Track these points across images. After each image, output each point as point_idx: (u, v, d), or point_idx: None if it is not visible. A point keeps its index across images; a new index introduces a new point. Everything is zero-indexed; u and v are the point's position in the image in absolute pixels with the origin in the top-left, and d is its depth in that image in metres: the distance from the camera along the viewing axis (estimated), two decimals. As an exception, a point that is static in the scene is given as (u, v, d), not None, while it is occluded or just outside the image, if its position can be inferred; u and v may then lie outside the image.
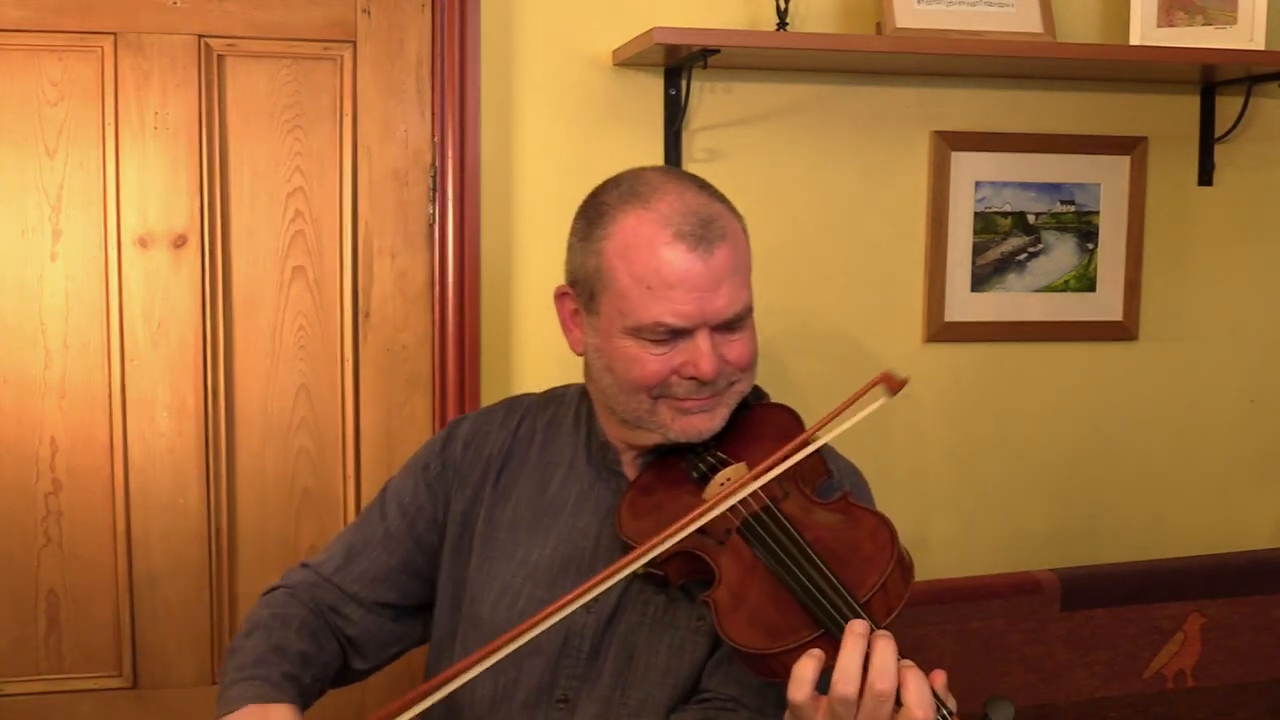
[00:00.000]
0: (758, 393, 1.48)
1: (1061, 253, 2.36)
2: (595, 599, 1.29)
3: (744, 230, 1.39)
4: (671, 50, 2.02)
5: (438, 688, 1.19)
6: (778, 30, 2.07)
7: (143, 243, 2.07)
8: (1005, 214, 2.32)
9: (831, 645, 1.12)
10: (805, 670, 1.11)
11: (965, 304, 2.32)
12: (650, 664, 1.35)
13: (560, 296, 1.45)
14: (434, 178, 2.12)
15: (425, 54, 2.11)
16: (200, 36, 2.05)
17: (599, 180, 2.15)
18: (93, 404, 2.08)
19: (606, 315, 1.35)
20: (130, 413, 2.08)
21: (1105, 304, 2.38)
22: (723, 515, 1.27)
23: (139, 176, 2.05)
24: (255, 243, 2.10)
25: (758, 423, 1.41)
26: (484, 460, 1.49)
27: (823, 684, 1.12)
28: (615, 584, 1.29)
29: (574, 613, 1.31)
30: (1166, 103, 2.37)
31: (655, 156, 2.17)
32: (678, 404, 1.35)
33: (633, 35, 2.05)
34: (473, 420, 1.54)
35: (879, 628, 1.13)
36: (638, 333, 1.32)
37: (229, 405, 2.12)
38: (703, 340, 1.32)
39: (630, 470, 1.43)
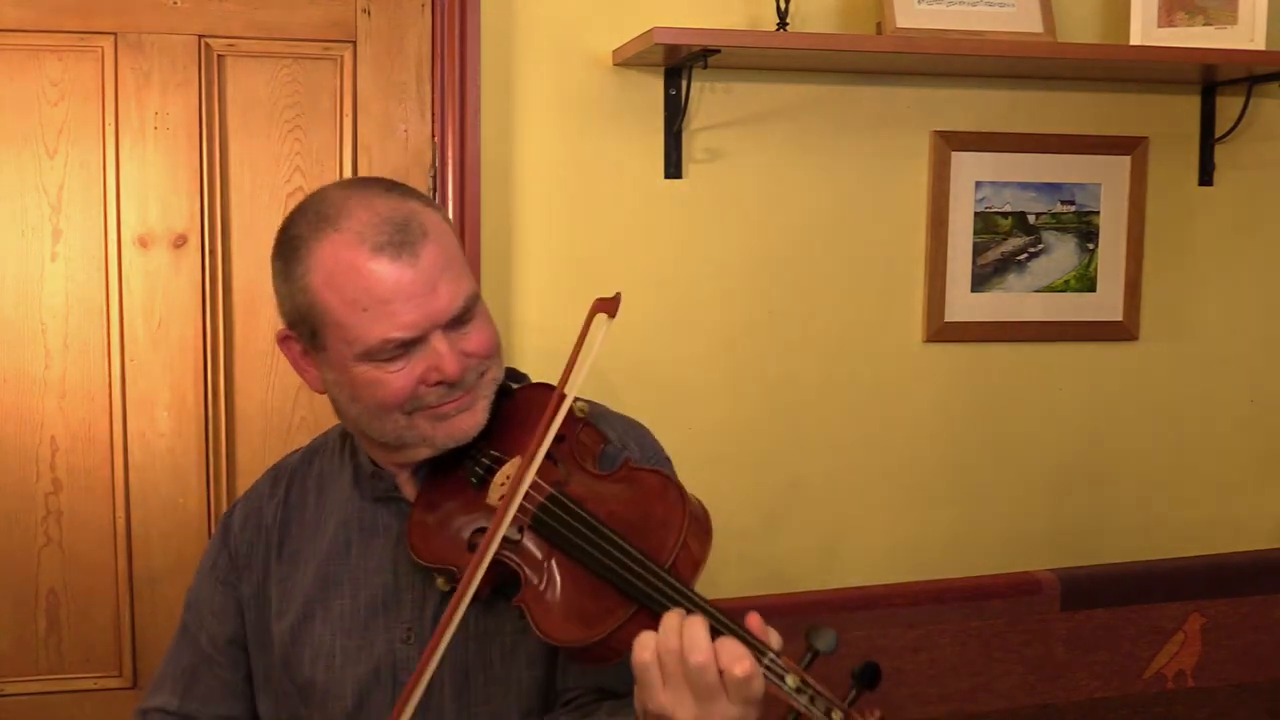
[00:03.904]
0: (516, 376, 1.42)
1: (1061, 253, 2.35)
2: (410, 631, 1.30)
3: (445, 220, 1.32)
4: (671, 50, 2.02)
5: None
6: (778, 30, 2.07)
7: (143, 242, 2.07)
8: (1005, 214, 2.32)
9: (651, 619, 1.09)
10: (646, 637, 1.08)
11: (965, 304, 2.32)
12: (489, 677, 1.32)
13: (284, 340, 1.37)
14: (434, 178, 2.12)
15: (425, 54, 2.11)
16: (200, 36, 2.05)
17: (598, 180, 2.18)
18: (93, 404, 2.08)
19: (334, 349, 1.28)
20: (130, 412, 2.08)
21: (1105, 304, 2.38)
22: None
23: (139, 176, 2.06)
24: (255, 243, 2.10)
25: (522, 408, 1.34)
26: (263, 537, 1.43)
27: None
28: (429, 613, 1.30)
29: (395, 648, 1.31)
30: (1166, 103, 2.37)
31: (655, 156, 2.17)
32: (433, 411, 1.28)
33: (633, 35, 2.05)
34: (242, 504, 1.48)
35: (688, 587, 1.10)
36: (370, 357, 1.26)
37: (229, 405, 2.12)
38: (439, 343, 1.26)
39: (409, 490, 1.36)
